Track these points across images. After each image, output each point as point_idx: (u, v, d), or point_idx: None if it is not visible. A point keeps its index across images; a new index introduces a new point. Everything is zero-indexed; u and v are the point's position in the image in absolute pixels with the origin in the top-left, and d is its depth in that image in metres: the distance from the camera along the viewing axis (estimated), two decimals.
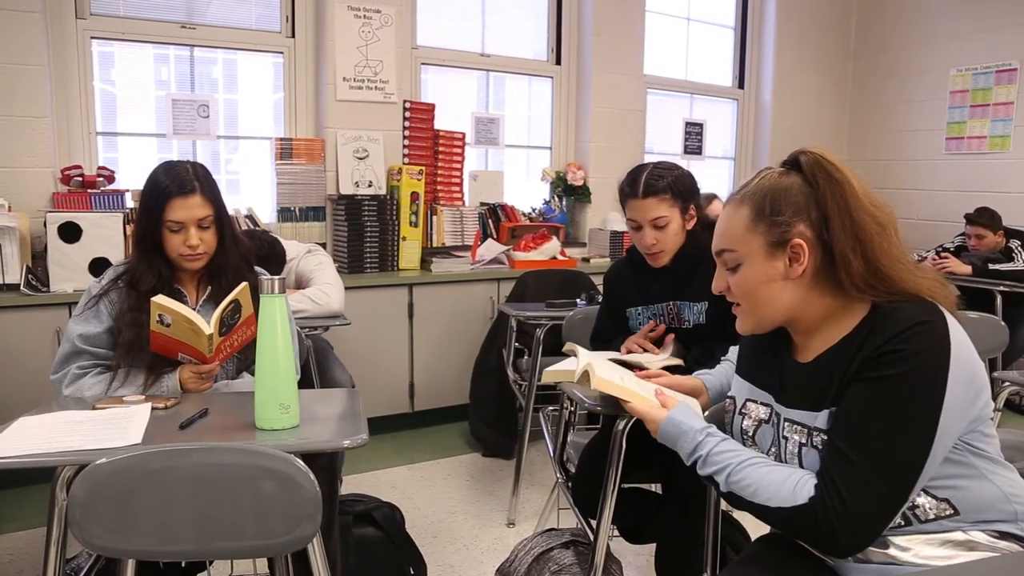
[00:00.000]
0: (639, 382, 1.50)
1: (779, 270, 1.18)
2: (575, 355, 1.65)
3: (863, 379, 1.09)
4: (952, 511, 1.11)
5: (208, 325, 1.63)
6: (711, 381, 1.58)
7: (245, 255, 1.91)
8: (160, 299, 1.63)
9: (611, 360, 1.81)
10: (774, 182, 1.19)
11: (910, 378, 1.06)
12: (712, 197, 3.90)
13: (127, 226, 2.99)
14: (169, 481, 1.19)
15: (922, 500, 1.10)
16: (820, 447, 1.13)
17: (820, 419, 1.14)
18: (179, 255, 1.77)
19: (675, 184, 1.96)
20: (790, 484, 1.11)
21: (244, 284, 1.68)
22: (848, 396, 1.10)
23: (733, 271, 1.23)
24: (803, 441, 1.16)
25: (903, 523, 1.11)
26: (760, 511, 1.13)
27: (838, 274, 1.14)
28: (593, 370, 1.43)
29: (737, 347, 1.61)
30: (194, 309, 1.82)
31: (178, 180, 1.75)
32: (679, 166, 2.04)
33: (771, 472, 1.14)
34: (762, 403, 1.27)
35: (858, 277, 1.13)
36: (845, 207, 1.14)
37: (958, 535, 1.11)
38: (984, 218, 4.18)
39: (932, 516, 1.10)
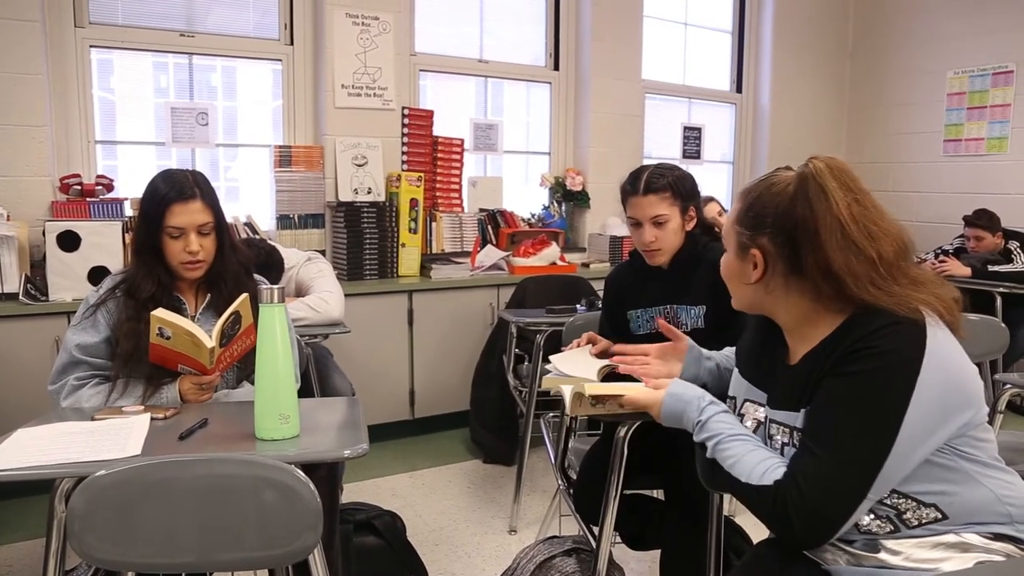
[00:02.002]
0: (628, 384, 1.51)
1: (745, 271, 1.24)
2: (560, 392, 1.61)
3: (832, 375, 1.11)
4: (940, 516, 1.10)
5: (209, 338, 1.62)
6: (696, 345, 1.64)
7: (244, 263, 1.91)
8: (160, 312, 1.62)
9: (603, 368, 1.81)
10: (768, 187, 1.21)
11: (875, 375, 1.07)
12: (708, 200, 3.91)
13: (126, 235, 2.98)
14: (169, 492, 1.19)
15: (907, 507, 1.10)
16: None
17: (800, 419, 1.16)
18: (179, 263, 1.77)
19: (676, 183, 1.99)
20: (763, 466, 1.14)
21: (244, 295, 1.68)
22: (819, 392, 1.12)
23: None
24: (786, 441, 1.18)
25: (892, 528, 1.11)
26: (731, 484, 1.17)
27: (810, 290, 1.16)
28: (584, 387, 1.44)
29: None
30: (193, 317, 1.82)
31: (178, 186, 1.76)
32: (680, 168, 2.06)
33: (753, 451, 1.18)
34: (759, 403, 1.28)
35: (830, 299, 1.15)
36: (814, 238, 1.13)
37: (950, 537, 1.10)
38: (983, 220, 4.19)
39: (919, 522, 1.10)
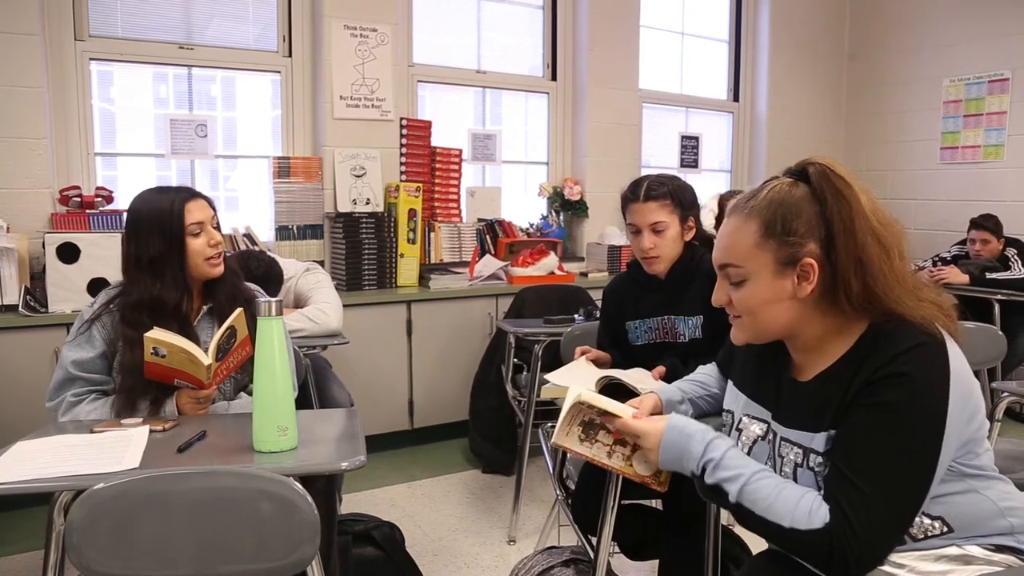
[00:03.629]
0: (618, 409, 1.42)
1: (787, 289, 1.15)
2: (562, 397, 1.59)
3: (865, 404, 1.07)
4: (946, 528, 1.11)
5: (206, 355, 1.63)
6: (664, 391, 1.55)
7: (234, 269, 1.94)
8: (154, 333, 1.62)
9: (601, 380, 1.80)
10: (784, 195, 1.16)
11: (913, 404, 1.05)
12: (734, 194, 3.94)
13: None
14: (167, 505, 1.19)
15: (916, 519, 1.10)
16: (816, 469, 1.12)
17: (817, 440, 1.13)
18: (205, 260, 1.80)
19: (676, 192, 2.02)
20: (805, 505, 1.08)
21: (239, 310, 1.69)
22: (851, 421, 1.09)
23: (736, 286, 1.20)
24: (799, 462, 1.15)
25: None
26: (771, 528, 1.10)
27: (837, 294, 1.13)
28: (580, 396, 1.32)
29: (711, 364, 1.60)
30: (192, 325, 1.83)
31: (182, 190, 1.82)
32: (681, 178, 2.09)
33: (784, 488, 1.11)
34: (759, 419, 1.26)
35: (856, 299, 1.12)
36: (851, 227, 1.11)
37: (952, 550, 1.11)
38: (990, 223, 4.19)
39: (927, 535, 1.11)
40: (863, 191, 1.14)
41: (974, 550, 1.11)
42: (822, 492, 1.10)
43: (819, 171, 1.15)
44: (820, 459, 1.12)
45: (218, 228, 1.87)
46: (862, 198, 1.13)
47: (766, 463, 1.22)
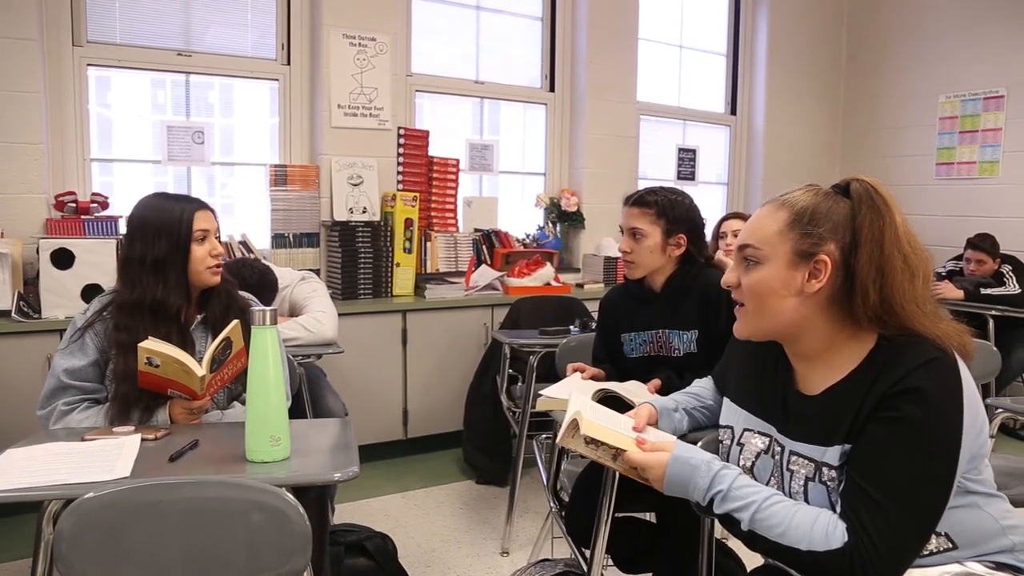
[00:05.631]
0: (616, 421, 1.41)
1: (796, 282, 1.16)
2: (558, 409, 1.57)
3: (882, 419, 1.08)
4: (950, 545, 1.11)
5: (200, 366, 1.62)
6: (660, 401, 1.54)
7: (228, 279, 1.94)
8: (148, 343, 1.62)
9: (597, 392, 1.80)
10: (820, 199, 1.19)
11: (930, 419, 1.05)
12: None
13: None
14: (158, 515, 1.18)
15: None
16: (828, 483, 1.12)
17: (830, 454, 1.13)
18: (207, 268, 1.81)
19: (664, 204, 2.03)
20: (821, 526, 1.08)
21: (236, 322, 1.68)
22: (869, 436, 1.09)
23: (749, 269, 1.21)
24: (809, 475, 1.15)
25: None
26: (787, 553, 1.09)
27: (853, 302, 1.13)
28: (581, 420, 1.30)
29: (706, 378, 1.60)
30: (189, 332, 1.82)
31: (192, 200, 1.84)
32: (686, 196, 2.09)
33: (798, 512, 1.11)
34: (761, 433, 1.26)
35: (871, 309, 1.12)
36: (879, 238, 1.13)
37: (955, 567, 1.11)
38: (986, 244, 4.20)
39: (930, 551, 1.10)
40: (900, 214, 1.16)
41: (976, 567, 1.11)
42: (837, 510, 1.10)
43: (862, 186, 1.18)
44: (833, 473, 1.12)
45: (219, 240, 1.88)
46: (897, 218, 1.15)
47: (771, 477, 1.22)
